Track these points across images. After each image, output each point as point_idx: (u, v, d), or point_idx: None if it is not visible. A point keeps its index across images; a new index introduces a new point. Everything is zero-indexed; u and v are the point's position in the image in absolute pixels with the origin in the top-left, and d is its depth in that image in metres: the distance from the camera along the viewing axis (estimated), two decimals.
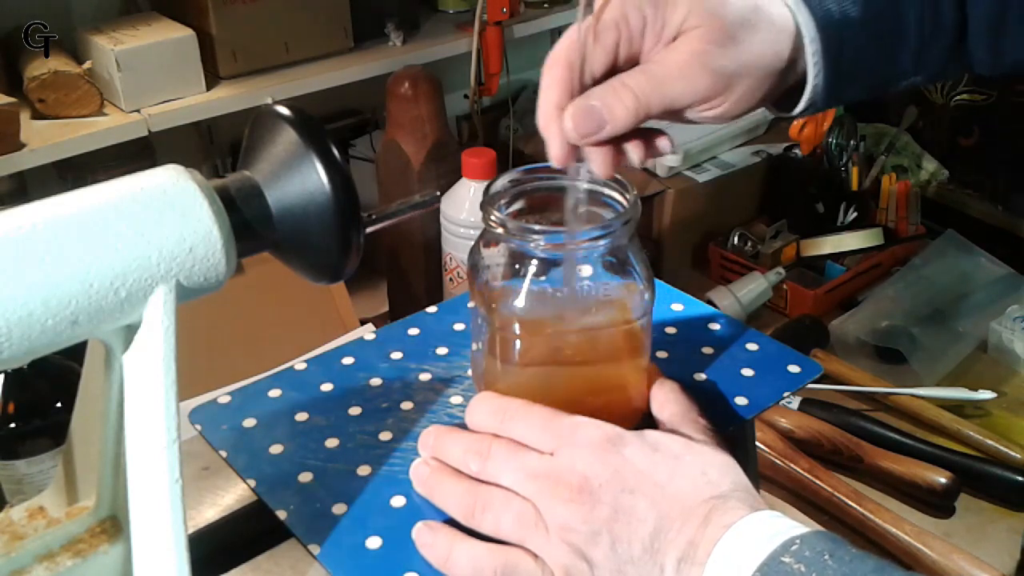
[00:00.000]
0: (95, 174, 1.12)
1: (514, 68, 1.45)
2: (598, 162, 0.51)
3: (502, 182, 0.57)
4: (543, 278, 0.53)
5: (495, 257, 0.55)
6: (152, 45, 1.07)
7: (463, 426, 0.54)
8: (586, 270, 0.54)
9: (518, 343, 0.54)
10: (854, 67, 0.53)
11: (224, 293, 0.47)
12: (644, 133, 0.52)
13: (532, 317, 0.54)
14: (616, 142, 0.51)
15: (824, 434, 1.01)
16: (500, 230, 0.52)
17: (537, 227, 0.52)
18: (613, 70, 0.51)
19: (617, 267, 0.54)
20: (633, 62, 0.51)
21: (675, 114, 0.52)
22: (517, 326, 0.53)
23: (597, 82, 0.50)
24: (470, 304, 0.57)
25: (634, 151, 0.52)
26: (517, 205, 0.57)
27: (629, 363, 0.56)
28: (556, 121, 0.51)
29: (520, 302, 0.53)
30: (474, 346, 0.60)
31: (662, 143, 0.53)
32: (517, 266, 0.53)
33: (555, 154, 0.52)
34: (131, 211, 0.42)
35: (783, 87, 0.53)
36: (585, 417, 0.51)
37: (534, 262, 0.53)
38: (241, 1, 1.13)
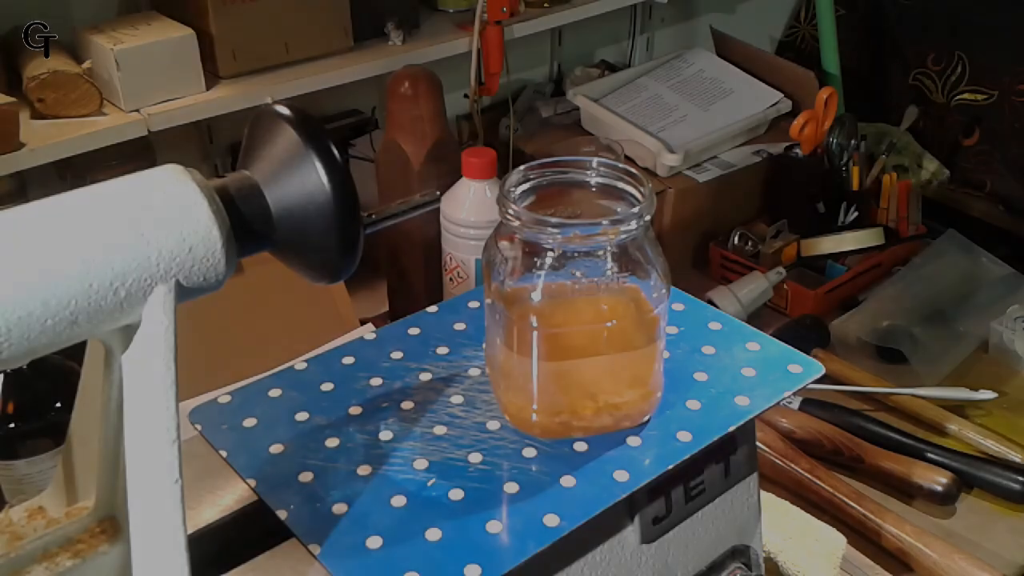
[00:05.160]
0: (95, 174, 1.12)
1: (514, 68, 1.45)
2: None
3: (517, 176, 0.57)
4: (560, 270, 0.53)
5: (511, 251, 0.55)
6: (152, 45, 1.07)
7: (462, 426, 0.54)
8: (603, 262, 0.54)
9: (536, 335, 0.54)
10: None
11: (224, 293, 0.47)
12: None
13: (549, 310, 0.54)
14: None
15: (825, 434, 1.01)
16: (517, 223, 0.53)
17: (553, 220, 0.52)
18: None
19: (633, 259, 0.54)
20: None
21: None
22: (535, 319, 0.54)
23: None
24: (487, 300, 0.57)
25: None
26: (531, 199, 0.57)
27: (646, 351, 0.56)
28: None
29: (537, 295, 0.53)
30: (490, 341, 0.60)
31: None
32: (535, 259, 0.54)
33: None
34: (131, 211, 0.42)
35: None
36: None
37: (551, 255, 0.53)
38: (241, 1, 1.13)
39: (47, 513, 0.52)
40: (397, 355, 0.65)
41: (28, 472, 0.83)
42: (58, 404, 0.83)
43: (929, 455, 0.99)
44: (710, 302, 1.19)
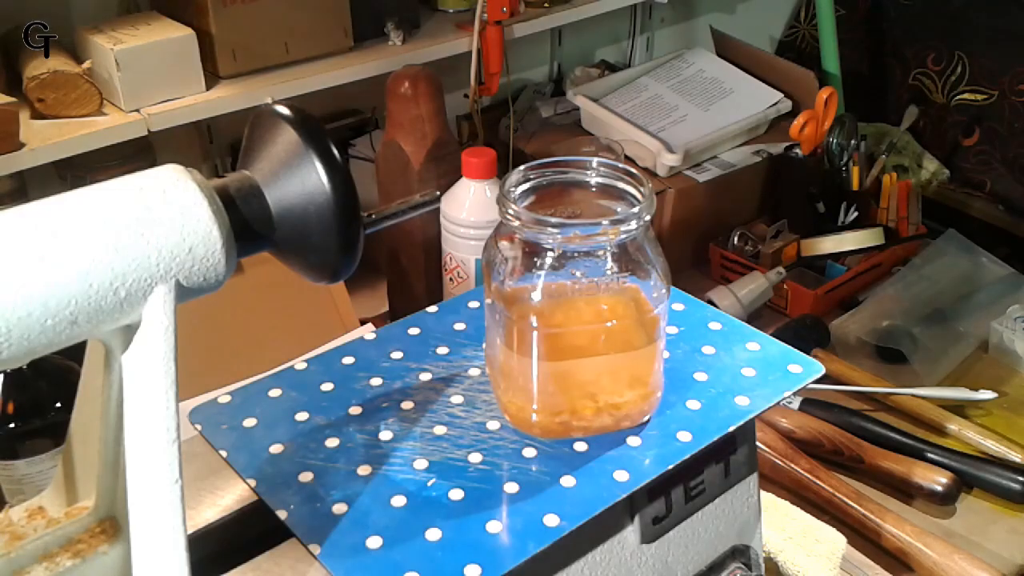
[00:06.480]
0: (95, 174, 1.12)
1: (514, 67, 1.45)
2: None
3: (517, 176, 0.57)
4: (560, 270, 0.53)
5: (511, 251, 0.55)
6: (152, 45, 1.07)
7: (462, 426, 0.54)
8: (603, 262, 0.54)
9: (535, 335, 0.54)
10: None
11: (224, 293, 0.47)
12: None
13: (549, 309, 0.54)
14: None
15: (825, 434, 1.01)
16: (517, 223, 0.53)
17: (553, 219, 0.52)
18: None
19: (633, 259, 0.54)
20: None
21: None
22: (535, 318, 0.54)
23: None
24: (487, 300, 0.57)
25: None
26: (531, 199, 0.57)
27: (646, 351, 0.56)
28: None
29: (537, 295, 0.54)
30: (490, 341, 0.60)
31: None
32: (535, 259, 0.54)
33: None
34: (131, 211, 0.42)
35: None
36: None
37: (551, 254, 0.53)
38: (241, 1, 1.13)
39: (47, 513, 0.52)
40: (397, 355, 0.65)
41: (28, 472, 0.83)
42: (58, 404, 0.83)
43: (929, 455, 0.99)
44: (710, 302, 1.19)
